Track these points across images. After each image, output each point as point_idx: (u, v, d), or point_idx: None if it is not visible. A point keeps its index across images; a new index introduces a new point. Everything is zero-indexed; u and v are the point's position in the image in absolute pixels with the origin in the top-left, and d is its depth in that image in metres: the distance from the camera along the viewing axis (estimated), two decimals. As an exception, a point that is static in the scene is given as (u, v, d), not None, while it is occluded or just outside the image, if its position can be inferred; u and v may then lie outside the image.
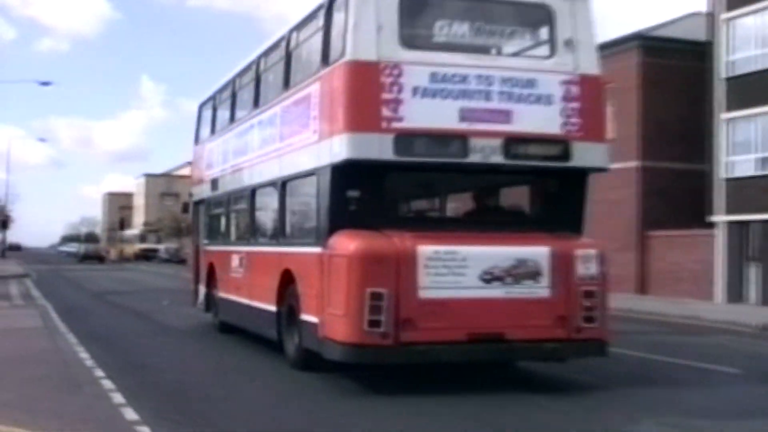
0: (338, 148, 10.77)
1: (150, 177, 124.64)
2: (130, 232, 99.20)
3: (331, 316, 10.80)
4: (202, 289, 19.34)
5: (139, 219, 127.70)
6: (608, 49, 35.74)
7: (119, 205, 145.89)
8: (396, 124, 10.57)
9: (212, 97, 19.06)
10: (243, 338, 16.28)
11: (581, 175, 11.72)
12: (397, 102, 10.60)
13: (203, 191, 19.38)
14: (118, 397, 10.23)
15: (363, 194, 10.94)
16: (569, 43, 11.40)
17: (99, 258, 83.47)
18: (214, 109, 18.88)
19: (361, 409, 9.87)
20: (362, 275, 10.32)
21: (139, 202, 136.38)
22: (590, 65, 11.46)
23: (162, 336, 17.94)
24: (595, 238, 11.80)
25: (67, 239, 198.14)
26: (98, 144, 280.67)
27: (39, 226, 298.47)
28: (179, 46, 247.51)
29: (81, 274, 51.82)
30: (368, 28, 10.65)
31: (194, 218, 20.73)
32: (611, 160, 12.03)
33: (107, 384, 11.12)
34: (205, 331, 18.71)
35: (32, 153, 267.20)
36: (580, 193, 11.80)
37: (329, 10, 11.58)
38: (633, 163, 33.81)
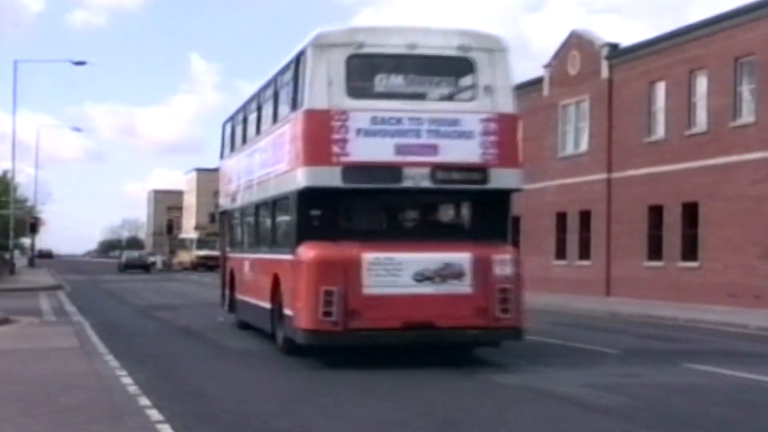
0: (300, 178, 16.43)
1: (202, 172, 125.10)
2: (186, 236, 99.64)
3: (297, 309, 16.24)
4: (227, 293, 24.91)
5: (189, 221, 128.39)
6: (744, 15, 35.04)
7: (167, 205, 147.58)
8: (343, 159, 16.03)
9: (231, 118, 24.80)
10: (307, 359, 16.31)
11: (501, 194, 17.15)
12: (344, 141, 16.03)
13: (226, 203, 25.43)
14: (166, 430, 10.22)
15: (321, 213, 16.65)
16: (488, 89, 16.72)
17: (144, 267, 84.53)
18: (233, 129, 24.65)
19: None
20: (317, 277, 15.72)
21: (189, 201, 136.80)
22: (506, 106, 16.88)
23: (217, 358, 18.00)
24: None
25: (106, 245, 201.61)
26: (142, 134, 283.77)
27: (74, 230, 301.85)
28: (235, 19, 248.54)
29: (123, 285, 52.51)
30: (321, 83, 16.18)
31: (221, 227, 26.97)
32: (526, 182, 17.47)
33: (153, 414, 11.13)
34: (267, 352, 18.72)
35: (66, 144, 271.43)
36: (502, 209, 17.37)
37: (297, 65, 17.18)
38: (779, 151, 33.04)
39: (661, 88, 39.93)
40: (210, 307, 32.07)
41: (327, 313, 15.63)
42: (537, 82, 48.84)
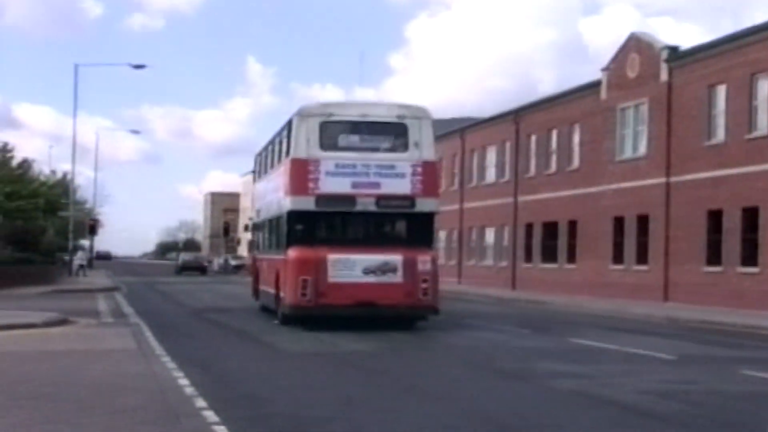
0: (287, 204, 25.79)
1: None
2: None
3: (286, 292, 25.19)
4: (254, 284, 34.21)
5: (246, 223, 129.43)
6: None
7: (223, 207, 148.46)
8: (316, 191, 25.06)
9: (260, 153, 34.75)
10: (362, 362, 16.27)
11: (424, 215, 25.82)
12: (317, 179, 25.05)
13: (255, 217, 35.47)
14: (222, 431, 10.28)
15: (302, 227, 25.47)
16: (416, 144, 25.55)
17: (201, 269, 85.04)
18: (260, 161, 34.54)
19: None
20: (297, 270, 24.67)
21: (246, 203, 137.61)
22: (429, 155, 25.76)
23: (272, 361, 18.08)
24: None
25: (163, 247, 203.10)
26: (198, 136, 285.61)
27: (131, 232, 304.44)
28: (291, 22, 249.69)
29: (179, 287, 52.91)
30: (302, 140, 25.36)
31: (253, 235, 36.97)
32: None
33: (210, 416, 11.18)
34: (325, 355, 18.83)
35: (123, 147, 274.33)
36: (426, 225, 25.95)
37: (289, 126, 26.53)
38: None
39: (721, 91, 39.52)
40: (265, 309, 32.24)
41: (303, 294, 24.72)
42: (595, 86, 48.57)
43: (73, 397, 12.52)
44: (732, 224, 38.45)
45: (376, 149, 26.27)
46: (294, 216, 25.82)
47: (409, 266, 24.86)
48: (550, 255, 53.02)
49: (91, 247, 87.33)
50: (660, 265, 42.72)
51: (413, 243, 25.54)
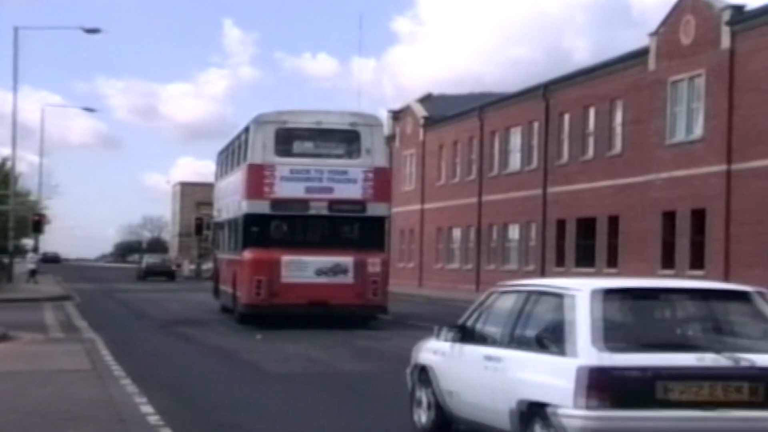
0: (244, 207, 32.13)
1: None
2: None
3: (242, 291, 31.18)
4: (214, 284, 40.28)
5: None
6: None
7: (196, 200, 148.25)
8: (271, 195, 31.16)
9: (222, 151, 41.08)
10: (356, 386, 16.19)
11: (375, 219, 31.85)
12: (272, 184, 31.06)
13: (216, 216, 42.31)
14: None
15: (257, 230, 31.66)
16: (368, 151, 31.24)
17: (168, 274, 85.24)
18: (221, 161, 40.75)
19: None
20: (252, 270, 30.73)
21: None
22: (380, 162, 32.12)
23: (256, 383, 18.09)
24: None
25: (123, 248, 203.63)
26: (165, 115, 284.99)
27: (85, 230, 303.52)
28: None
29: (142, 296, 52.94)
30: (258, 146, 31.49)
31: (213, 235, 43.84)
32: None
33: (179, 451, 11.09)
34: (318, 376, 18.81)
35: (75, 127, 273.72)
36: (376, 229, 32.08)
37: (246, 132, 32.86)
38: None
39: (794, 61, 39.47)
40: (247, 322, 32.20)
41: (258, 294, 30.49)
42: (641, 55, 48.47)
43: (15, 427, 12.43)
44: (806, 221, 38.41)
45: (329, 155, 32.82)
46: (250, 219, 32.23)
47: (360, 268, 31.06)
48: (586, 258, 52.95)
49: (36, 247, 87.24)
50: (719, 270, 42.64)
51: (364, 246, 31.75)
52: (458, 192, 68.52)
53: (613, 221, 51.02)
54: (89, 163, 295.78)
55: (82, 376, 17.74)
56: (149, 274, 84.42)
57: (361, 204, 31.69)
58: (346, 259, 30.87)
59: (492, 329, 11.69)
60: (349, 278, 30.75)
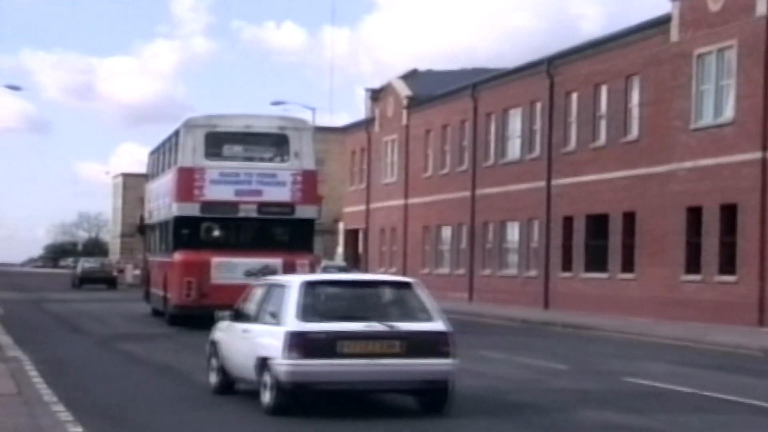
0: (174, 209, 38.66)
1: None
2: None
3: (171, 293, 37.93)
4: (145, 287, 45.55)
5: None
6: None
7: (140, 194, 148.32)
8: (201, 198, 37.50)
9: (153, 152, 47.08)
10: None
11: (304, 222, 38.44)
12: (202, 186, 37.29)
13: (147, 218, 47.79)
14: None
15: (188, 232, 37.96)
16: (297, 154, 37.81)
17: (108, 281, 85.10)
18: (153, 162, 46.75)
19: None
20: (182, 271, 37.18)
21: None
22: (309, 165, 38.31)
23: (208, 410, 18.04)
24: None
25: (56, 251, 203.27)
26: (104, 95, 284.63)
27: (8, 230, 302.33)
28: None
29: (78, 306, 52.85)
30: (187, 150, 37.72)
31: (146, 236, 49.09)
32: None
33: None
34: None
35: None
36: (305, 230, 38.56)
37: (176, 136, 39.37)
38: None
39: (840, 31, 39.64)
40: (201, 337, 32.21)
41: (188, 295, 36.09)
42: (662, 23, 48.61)
43: None
44: None
45: (258, 159, 39.29)
46: (180, 221, 38.41)
47: (289, 269, 35.65)
48: (597, 261, 53.10)
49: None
50: (754, 275, 42.80)
51: (293, 247, 38.11)
52: (448, 184, 68.69)
53: (629, 218, 51.18)
54: (14, 150, 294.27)
55: (6, 401, 17.60)
56: (86, 281, 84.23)
57: (289, 206, 38.15)
58: (275, 261, 36.76)
59: (248, 310, 19.11)
60: None
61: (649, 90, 49.75)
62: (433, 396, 17.70)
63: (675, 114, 47.29)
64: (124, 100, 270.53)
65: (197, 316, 34.33)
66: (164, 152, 43.39)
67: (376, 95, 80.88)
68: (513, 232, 62.26)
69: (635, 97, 51.10)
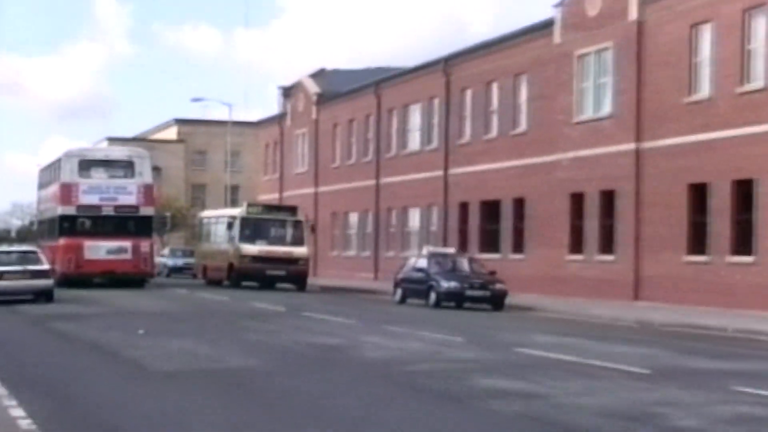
0: (59, 210, 54.58)
1: (116, 142, 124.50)
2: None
3: (58, 265, 50.67)
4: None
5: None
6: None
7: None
8: (77, 202, 53.64)
9: (42, 170, 64.17)
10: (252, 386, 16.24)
11: (146, 218, 54.55)
12: (77, 195, 53.54)
13: (38, 215, 69.36)
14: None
15: (68, 225, 53.90)
16: (140, 173, 54.55)
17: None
18: (42, 176, 63.43)
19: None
20: (65, 251, 53.07)
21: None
22: (148, 180, 55.13)
23: (140, 382, 17.92)
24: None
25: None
26: (33, 92, 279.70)
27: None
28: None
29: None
30: (67, 171, 54.29)
31: (37, 229, 70.59)
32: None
33: (54, 457, 11.07)
34: (205, 373, 18.79)
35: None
36: (148, 223, 54.82)
37: (59, 161, 56.15)
38: None
39: (706, 32, 40.18)
40: (130, 317, 32.05)
41: (69, 267, 51.64)
42: (545, 27, 49.02)
43: None
44: (720, 202, 39.08)
45: (114, 176, 53.56)
46: (63, 218, 53.23)
47: (135, 249, 52.50)
48: (490, 242, 53.39)
49: None
50: (629, 254, 43.28)
51: (138, 234, 53.01)
52: (354, 174, 68.67)
53: (519, 204, 51.53)
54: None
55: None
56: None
57: (135, 208, 53.37)
58: (127, 243, 52.39)
59: None
60: (128, 255, 52.43)
61: (536, 87, 50.13)
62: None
63: (559, 109, 47.70)
64: (52, 98, 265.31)
65: (75, 281, 50.79)
66: (51, 171, 59.23)
67: (288, 92, 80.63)
68: (414, 217, 62.45)
69: (523, 94, 51.48)
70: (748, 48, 38.25)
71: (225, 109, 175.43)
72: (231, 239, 55.90)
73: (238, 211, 57.81)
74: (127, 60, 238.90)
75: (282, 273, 54.53)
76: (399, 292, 43.25)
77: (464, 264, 42.53)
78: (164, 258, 76.05)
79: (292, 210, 58.48)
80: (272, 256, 54.38)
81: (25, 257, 40.76)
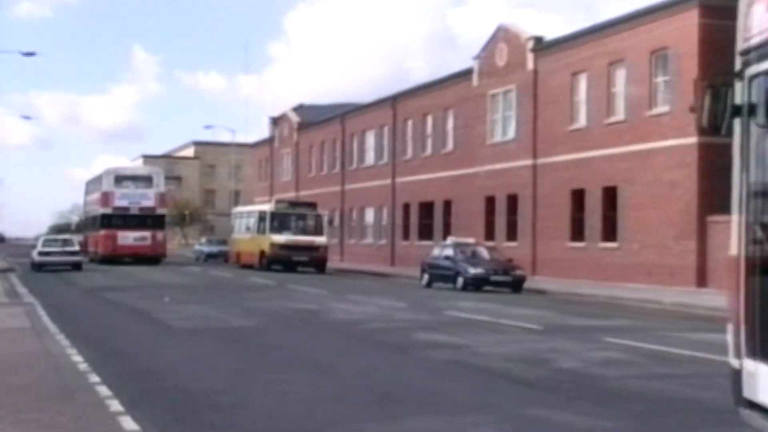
0: (100, 210, 58.58)
1: (149, 159, 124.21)
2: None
3: (99, 248, 57.81)
4: (84, 248, 58.99)
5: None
6: (665, 9, 35.41)
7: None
8: (113, 205, 57.48)
9: (89, 182, 69.33)
10: (253, 338, 16.19)
11: (161, 216, 58.66)
12: (113, 200, 57.52)
13: (85, 215, 73.46)
14: (115, 405, 10.10)
15: (107, 221, 57.30)
16: (157, 184, 58.95)
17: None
18: (88, 186, 68.97)
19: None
20: (105, 238, 56.95)
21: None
22: (162, 190, 59.75)
23: (163, 337, 17.91)
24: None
25: (56, 229, 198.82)
26: (87, 121, 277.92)
27: (25, 215, 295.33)
28: (176, 11, 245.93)
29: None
30: (106, 183, 58.51)
31: (84, 224, 74.68)
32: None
33: (103, 391, 11.01)
34: (215, 330, 18.71)
35: (15, 132, 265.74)
36: (162, 220, 58.95)
37: (101, 175, 60.85)
38: (691, 140, 33.19)
39: (582, 79, 40.30)
40: (158, 289, 31.89)
41: (107, 249, 56.19)
42: (467, 73, 49.02)
43: (-32, 376, 12.19)
44: (593, 203, 39.30)
45: (139, 187, 57.57)
46: (103, 216, 56.88)
47: (153, 237, 56.41)
48: (426, 233, 53.44)
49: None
50: (528, 241, 43.44)
51: (155, 227, 56.83)
52: (326, 182, 68.49)
53: (447, 204, 51.58)
54: (27, 161, 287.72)
55: (23, 333, 17.37)
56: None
57: (153, 209, 57.04)
58: (147, 233, 56.23)
59: None
60: (148, 242, 56.12)
61: (459, 118, 50.16)
62: None
63: (476, 134, 47.74)
64: (100, 125, 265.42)
65: (111, 260, 55.15)
66: (95, 183, 63.04)
67: (276, 121, 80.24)
68: (369, 214, 62.34)
69: (450, 123, 51.48)
70: (612, 91, 38.47)
71: (229, 133, 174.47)
72: (262, 230, 49.58)
73: (267, 207, 51.96)
74: (156, 97, 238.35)
75: (305, 258, 48.31)
76: (426, 277, 37.26)
77: (484, 252, 37.37)
78: (202, 246, 70.67)
79: (313, 206, 52.55)
80: (297, 244, 48.14)
81: (64, 242, 49.15)
